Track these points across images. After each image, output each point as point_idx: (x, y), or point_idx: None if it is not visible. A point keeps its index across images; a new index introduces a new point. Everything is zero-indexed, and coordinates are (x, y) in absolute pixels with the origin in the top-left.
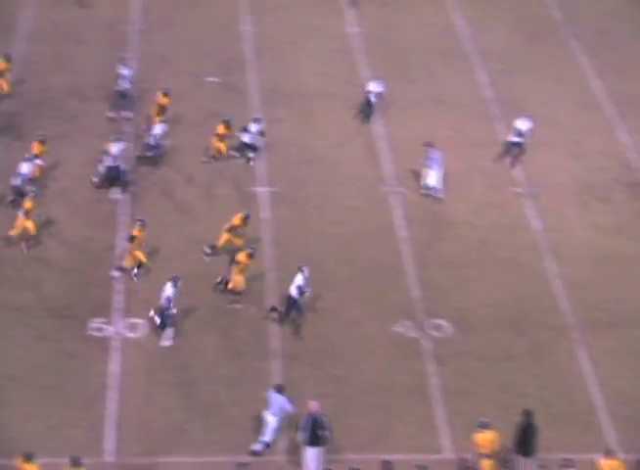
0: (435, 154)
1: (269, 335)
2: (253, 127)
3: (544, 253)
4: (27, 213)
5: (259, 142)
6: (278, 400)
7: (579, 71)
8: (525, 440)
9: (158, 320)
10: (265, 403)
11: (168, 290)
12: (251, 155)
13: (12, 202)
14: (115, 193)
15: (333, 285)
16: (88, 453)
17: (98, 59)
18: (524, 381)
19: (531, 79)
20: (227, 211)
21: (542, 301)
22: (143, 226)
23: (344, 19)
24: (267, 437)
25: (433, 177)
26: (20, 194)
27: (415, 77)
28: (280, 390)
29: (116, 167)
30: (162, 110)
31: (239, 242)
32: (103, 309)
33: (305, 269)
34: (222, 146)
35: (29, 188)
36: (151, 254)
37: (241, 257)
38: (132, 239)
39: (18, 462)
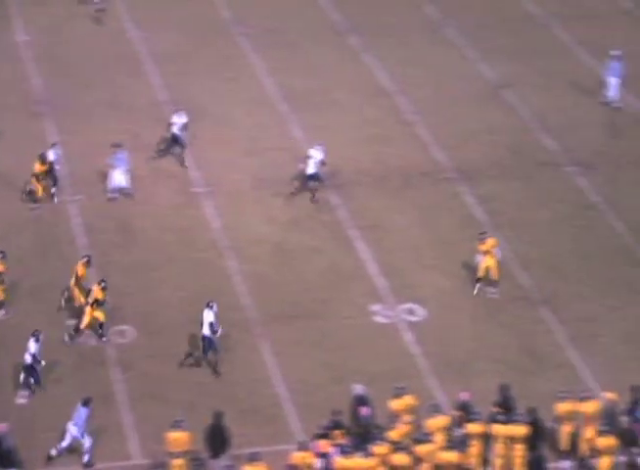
0: (123, 154)
1: None
2: None
3: (225, 250)
4: None
5: None
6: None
7: (252, 70)
8: (213, 440)
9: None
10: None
11: (32, 346)
12: None
13: None
14: None
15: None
16: None
17: None
18: (210, 379)
19: (206, 79)
20: None
21: (224, 297)
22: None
23: (12, 27)
24: (64, 443)
25: (121, 177)
26: None
27: (90, 83)
28: (86, 403)
29: None
30: None
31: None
32: None
33: (214, 305)
34: None
35: None
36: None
37: (96, 293)
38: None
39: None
